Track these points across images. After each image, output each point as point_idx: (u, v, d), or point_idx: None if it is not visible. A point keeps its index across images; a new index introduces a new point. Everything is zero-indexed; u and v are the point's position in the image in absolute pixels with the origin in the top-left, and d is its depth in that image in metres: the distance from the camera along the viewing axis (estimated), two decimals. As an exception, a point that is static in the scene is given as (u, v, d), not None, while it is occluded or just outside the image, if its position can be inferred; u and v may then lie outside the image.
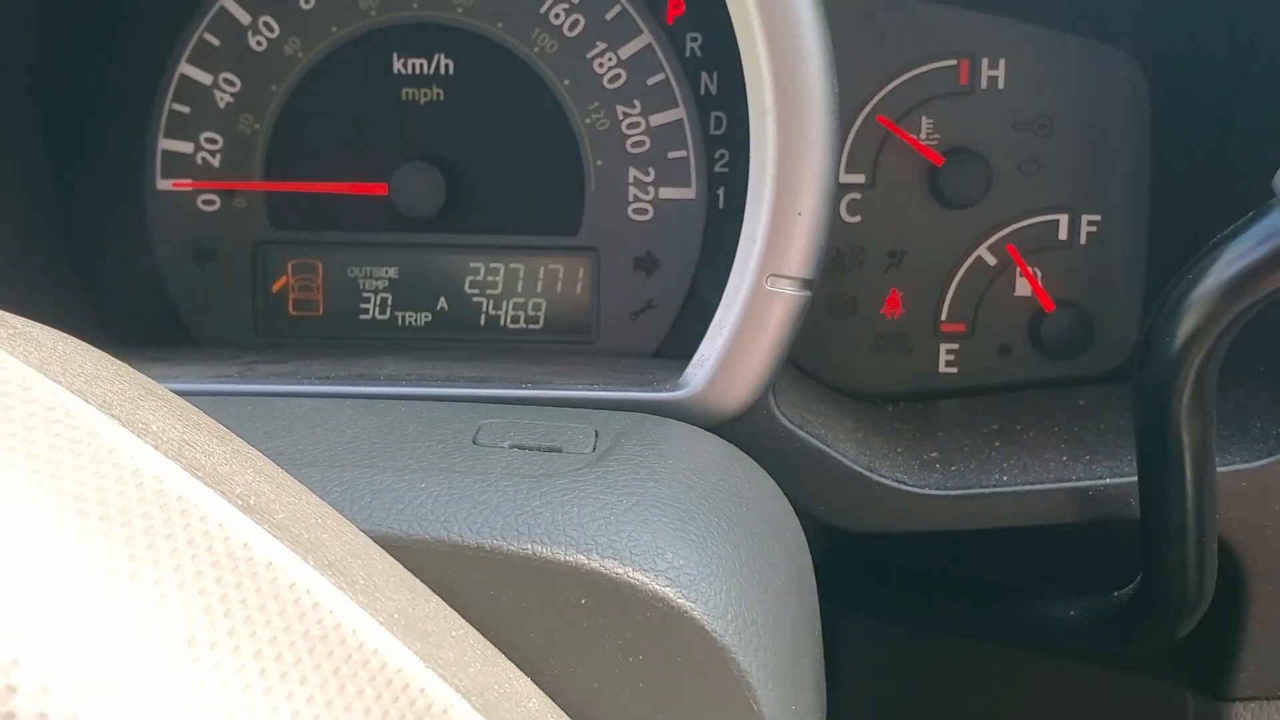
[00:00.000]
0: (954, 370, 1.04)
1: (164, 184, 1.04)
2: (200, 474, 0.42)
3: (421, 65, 1.02)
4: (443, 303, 1.04)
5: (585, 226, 1.03)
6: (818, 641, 0.69)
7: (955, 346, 1.03)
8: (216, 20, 1.02)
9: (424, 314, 1.05)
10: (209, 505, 0.40)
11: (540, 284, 1.04)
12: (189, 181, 1.04)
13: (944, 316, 1.03)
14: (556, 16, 1.01)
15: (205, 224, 1.04)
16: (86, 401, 0.42)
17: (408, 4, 1.02)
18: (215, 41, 1.02)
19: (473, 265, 1.04)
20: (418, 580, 0.52)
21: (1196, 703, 0.88)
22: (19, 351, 0.43)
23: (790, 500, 0.77)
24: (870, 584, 1.00)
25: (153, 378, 0.77)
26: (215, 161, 1.04)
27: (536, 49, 1.01)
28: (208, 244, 1.05)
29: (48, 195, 1.01)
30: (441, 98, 1.02)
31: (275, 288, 1.05)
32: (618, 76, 1.01)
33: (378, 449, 0.63)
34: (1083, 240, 1.03)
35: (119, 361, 0.51)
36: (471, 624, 0.54)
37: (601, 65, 1.01)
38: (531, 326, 1.04)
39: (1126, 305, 1.03)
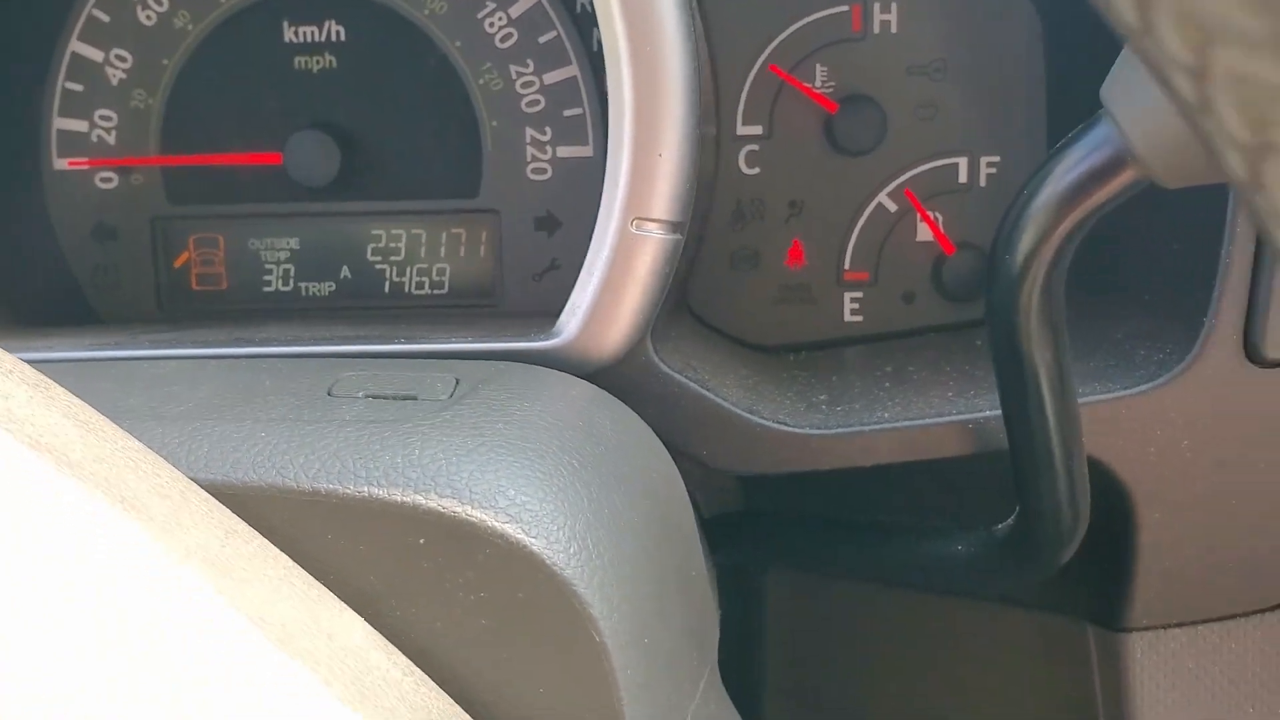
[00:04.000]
0: (859, 319, 1.03)
1: (60, 163, 1.04)
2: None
3: (313, 33, 1.02)
4: (345, 271, 1.04)
5: (484, 189, 1.02)
6: (689, 580, 0.69)
7: (859, 295, 1.03)
8: (104, -4, 1.01)
9: (328, 284, 1.04)
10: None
11: (443, 249, 1.03)
12: (86, 160, 1.03)
13: (847, 265, 1.03)
14: (445, -22, 1.00)
15: (104, 202, 1.04)
16: None
17: (296, -29, 1.01)
18: (104, 18, 1.02)
19: (374, 232, 1.04)
20: (243, 524, 0.52)
21: (1096, 636, 0.89)
22: None
23: (674, 445, 0.77)
24: (782, 532, 1.00)
25: (29, 350, 0.77)
26: (111, 139, 1.03)
27: (426, 11, 1.01)
28: (108, 221, 1.04)
29: (-59, 178, 1.01)
30: (334, 65, 1.02)
31: (178, 263, 1.05)
32: (509, 35, 1.01)
33: (229, 404, 0.63)
34: (983, 182, 1.03)
35: None
36: (311, 571, 0.54)
37: (492, 25, 1.01)
38: (436, 291, 1.04)
39: (1029, 246, 1.03)
